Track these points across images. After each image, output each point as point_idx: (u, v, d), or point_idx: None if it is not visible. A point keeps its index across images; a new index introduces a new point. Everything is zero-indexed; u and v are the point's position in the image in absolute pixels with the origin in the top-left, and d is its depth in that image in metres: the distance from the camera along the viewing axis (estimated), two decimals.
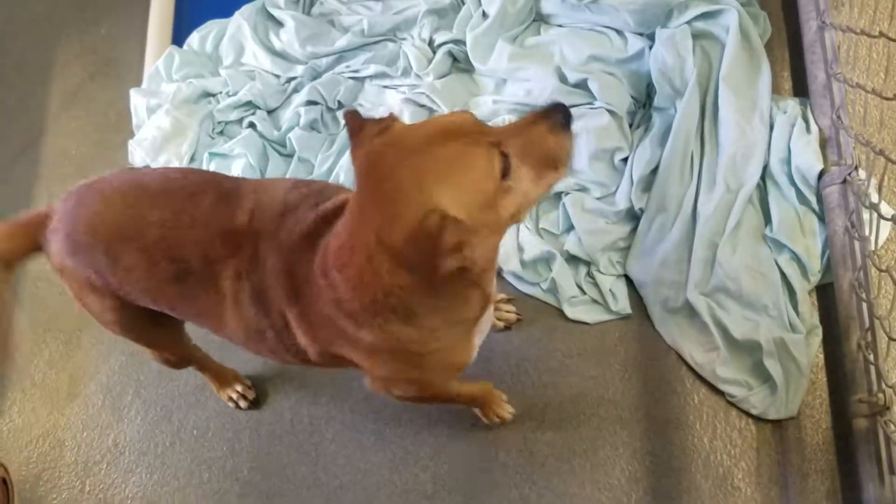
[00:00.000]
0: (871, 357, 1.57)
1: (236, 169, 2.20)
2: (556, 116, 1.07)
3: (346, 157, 2.16)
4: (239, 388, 1.96)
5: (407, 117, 2.16)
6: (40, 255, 1.37)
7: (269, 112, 2.35)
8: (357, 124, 1.10)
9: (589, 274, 1.98)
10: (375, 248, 1.00)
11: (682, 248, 1.92)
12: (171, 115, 2.28)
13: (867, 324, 1.61)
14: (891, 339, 1.44)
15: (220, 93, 2.38)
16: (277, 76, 2.39)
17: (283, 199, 1.26)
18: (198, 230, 1.24)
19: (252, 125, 2.29)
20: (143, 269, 1.26)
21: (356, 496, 1.84)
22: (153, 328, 1.50)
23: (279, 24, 2.47)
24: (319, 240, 1.16)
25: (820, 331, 1.81)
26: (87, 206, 1.30)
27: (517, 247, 2.00)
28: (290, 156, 2.27)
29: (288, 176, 2.21)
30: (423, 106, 2.21)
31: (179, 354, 1.72)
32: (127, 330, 1.49)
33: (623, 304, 1.92)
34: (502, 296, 1.95)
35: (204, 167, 2.23)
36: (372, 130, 1.07)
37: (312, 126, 2.28)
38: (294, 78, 2.37)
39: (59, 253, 1.31)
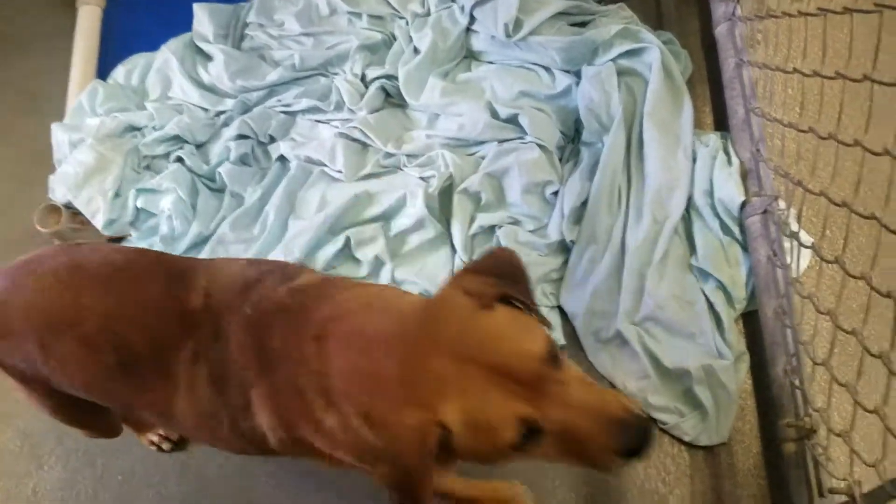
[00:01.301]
0: (797, 382, 1.62)
1: (166, 203, 2.14)
2: (623, 443, 0.90)
3: (279, 192, 2.14)
4: (161, 430, 1.89)
5: (340, 152, 2.15)
6: None
7: (198, 146, 2.31)
8: (485, 283, 1.00)
9: None
10: (371, 394, 0.97)
11: (613, 278, 1.96)
12: (95, 150, 2.20)
13: (792, 349, 1.66)
14: (815, 363, 1.48)
15: (146, 127, 2.32)
16: (206, 110, 2.35)
17: (241, 275, 1.19)
18: (146, 316, 1.16)
19: (180, 159, 2.24)
20: (79, 360, 1.18)
21: None
22: (85, 412, 1.40)
23: (208, 57, 2.45)
24: (299, 314, 1.10)
25: (748, 357, 1.86)
26: (20, 291, 1.20)
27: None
28: (221, 190, 2.23)
29: (221, 212, 2.16)
30: (356, 140, 2.21)
31: (113, 427, 1.61)
32: (57, 415, 1.39)
33: (557, 336, 1.94)
34: None
35: (130, 203, 2.16)
36: (469, 282, 0.99)
37: (243, 160, 2.24)
38: (223, 112, 2.34)
39: None
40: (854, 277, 1.27)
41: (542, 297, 1.99)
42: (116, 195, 2.17)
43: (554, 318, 1.97)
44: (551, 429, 0.90)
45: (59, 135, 2.31)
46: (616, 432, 0.89)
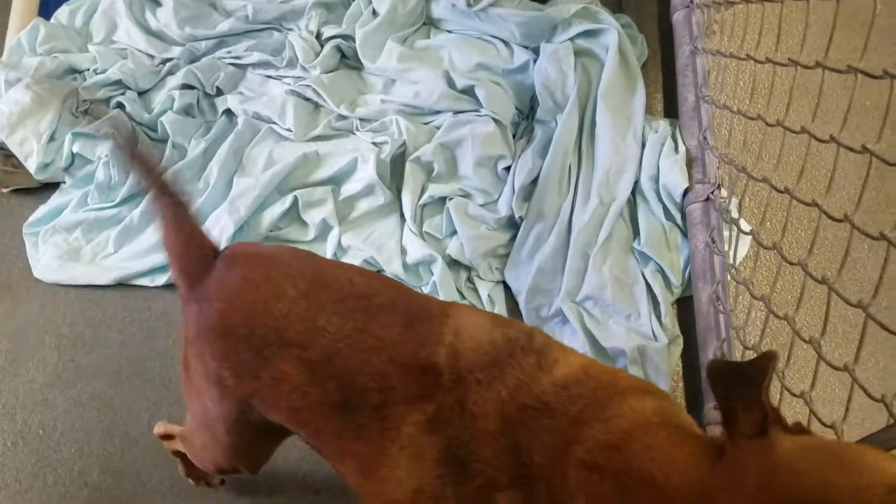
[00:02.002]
0: None
1: (103, 149, 2.06)
2: None
3: (224, 147, 2.08)
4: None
5: (291, 110, 2.10)
6: None
7: (140, 94, 2.22)
8: (734, 409, 0.80)
9: (469, 279, 2.00)
10: None
11: (558, 257, 1.98)
12: (31, 90, 2.09)
13: (724, 335, 1.71)
14: (746, 348, 1.53)
15: (88, 70, 2.22)
16: (151, 56, 2.26)
17: (488, 339, 1.01)
18: (382, 357, 1.01)
19: (120, 105, 2.15)
20: (298, 385, 1.03)
21: (220, 499, 1.76)
22: (259, 444, 1.27)
23: (157, 2, 2.35)
24: (566, 426, 0.91)
25: (681, 340, 1.91)
26: (252, 287, 1.07)
27: (400, 249, 1.99)
28: (162, 141, 2.15)
29: (162, 163, 2.09)
30: (308, 99, 2.16)
31: (260, 464, 1.41)
32: (232, 439, 1.22)
33: (500, 311, 1.95)
34: None
35: (66, 148, 2.07)
36: (751, 423, 0.78)
37: (187, 111, 2.17)
38: (169, 59, 2.25)
39: (201, 326, 1.09)
40: (791, 263, 1.31)
41: (489, 271, 2.00)
42: (52, 138, 2.07)
43: (497, 294, 1.98)
44: None
45: None
46: None
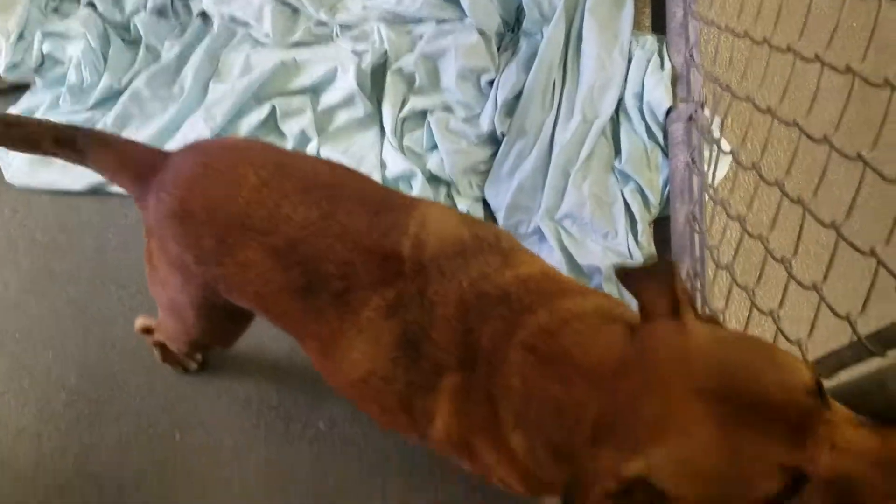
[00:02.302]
0: (699, 285, 1.69)
1: (74, 50, 2.00)
2: None
3: (199, 51, 2.01)
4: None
5: (268, 13, 2.03)
6: None
7: None
8: (648, 297, 0.84)
9: (448, 195, 1.99)
10: (565, 429, 0.85)
11: (538, 174, 1.97)
12: None
13: (698, 254, 1.73)
14: (718, 267, 1.54)
15: None
16: None
17: (456, 236, 1.05)
18: (346, 245, 1.03)
19: (91, 5, 2.07)
20: (263, 270, 1.06)
21: (195, 405, 1.78)
22: (228, 324, 1.30)
23: None
24: (517, 314, 0.96)
25: (656, 258, 1.92)
26: (213, 175, 1.08)
27: (380, 162, 1.97)
28: (135, 43, 2.08)
29: (136, 66, 2.03)
30: (287, 3, 2.09)
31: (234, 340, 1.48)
32: (201, 321, 1.27)
33: None
34: None
35: (35, 47, 2.00)
36: (663, 305, 0.82)
37: (161, 12, 2.10)
38: None
39: (159, 215, 1.11)
40: (768, 184, 1.32)
41: (468, 187, 1.99)
42: (20, 37, 2.00)
43: (476, 211, 1.98)
44: (820, 478, 0.71)
45: None
46: None
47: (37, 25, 2.03)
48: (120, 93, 2.01)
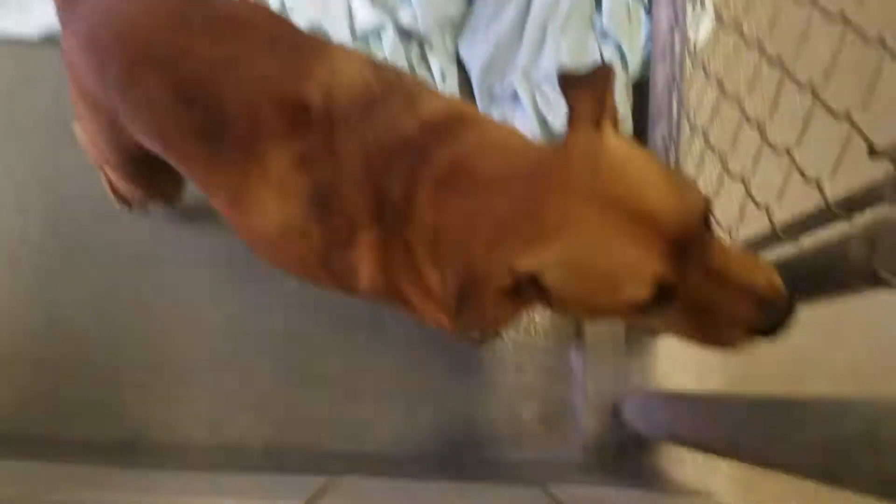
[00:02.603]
0: (673, 147, 1.67)
1: None
2: (764, 322, 0.77)
3: None
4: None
5: None
6: None
7: None
8: (578, 103, 0.83)
9: (422, 54, 1.90)
10: (472, 235, 0.85)
11: (516, 30, 1.89)
12: None
13: (675, 117, 1.69)
14: (693, 130, 1.52)
15: None
16: None
17: (363, 83, 1.01)
18: (254, 88, 0.99)
19: None
20: (164, 106, 1.02)
21: (164, 264, 1.79)
22: (148, 171, 1.26)
23: None
24: (424, 156, 0.94)
25: (630, 122, 1.88)
26: (123, 4, 1.04)
27: (348, 13, 1.86)
28: None
29: None
30: None
31: (175, 192, 1.45)
32: (120, 165, 1.26)
33: (451, 86, 1.89)
34: None
35: None
36: (589, 112, 0.81)
37: None
38: None
39: (73, 43, 1.08)
40: (748, 45, 1.27)
41: (441, 43, 1.90)
42: None
43: (450, 69, 1.91)
44: (686, 295, 0.77)
45: None
46: (759, 309, 0.77)
47: None
48: None
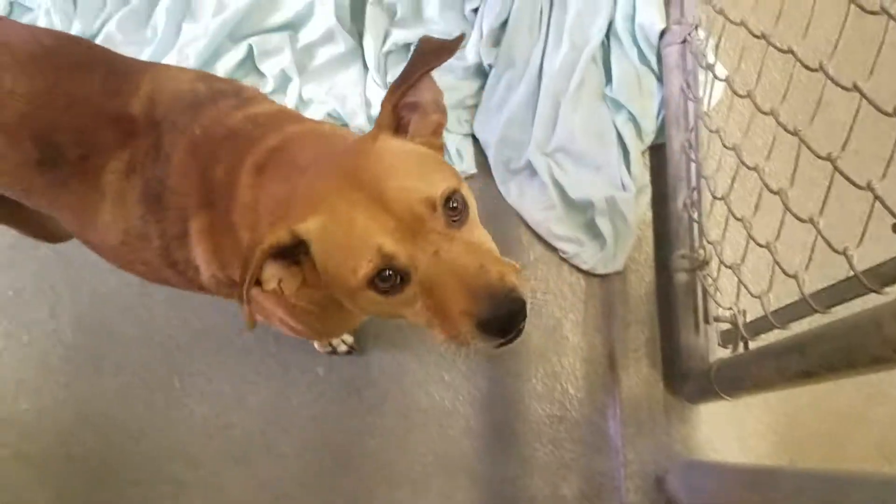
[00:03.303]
0: (695, 215, 1.67)
1: None
2: (481, 312, 0.79)
3: None
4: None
5: None
6: None
7: None
8: (387, 97, 0.92)
9: None
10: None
11: (528, 107, 1.91)
12: None
13: (694, 183, 1.70)
14: (715, 198, 1.51)
15: None
16: None
17: (190, 90, 1.08)
18: (77, 113, 1.04)
19: None
20: None
21: (193, 356, 1.79)
22: (9, 206, 1.25)
23: None
24: (248, 143, 1.01)
25: (650, 189, 1.89)
26: None
27: (364, 101, 1.90)
28: None
29: (107, 9, 1.94)
30: None
31: (47, 232, 1.47)
32: None
33: (469, 164, 1.91)
34: None
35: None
36: (388, 119, 0.92)
37: None
38: None
39: None
40: (763, 113, 1.27)
41: (457, 123, 1.93)
42: None
43: (466, 146, 1.93)
44: (418, 278, 0.83)
45: None
46: (478, 298, 0.79)
47: None
48: (93, 38, 1.93)
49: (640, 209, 1.87)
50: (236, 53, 1.87)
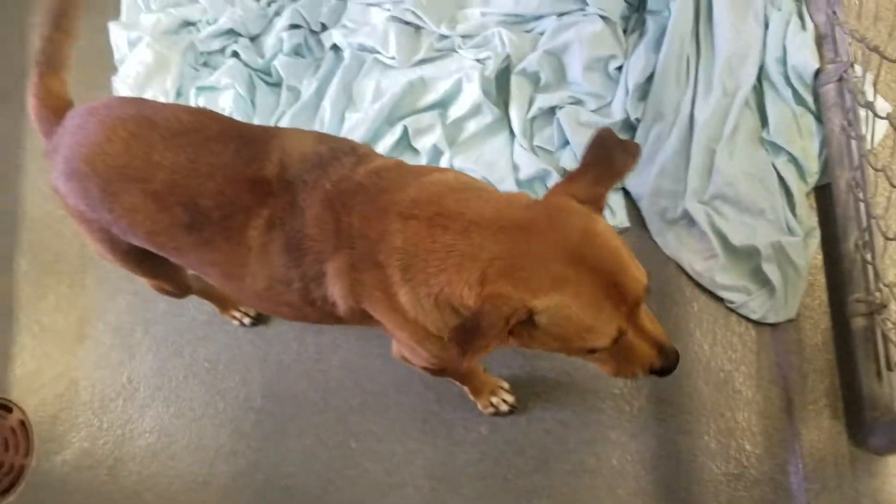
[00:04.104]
0: (869, 256, 1.57)
1: (225, 101, 2.16)
2: (659, 367, 1.10)
3: (334, 84, 2.12)
4: (241, 306, 1.99)
5: (393, 36, 2.10)
6: None
7: (252, 39, 2.28)
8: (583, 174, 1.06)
9: None
10: (468, 272, 1.02)
11: (680, 156, 1.90)
12: (153, 49, 2.22)
13: (864, 223, 1.61)
14: (887, 238, 1.43)
15: (201, 21, 2.31)
16: (257, 0, 2.31)
17: (314, 152, 1.21)
18: (218, 179, 1.18)
19: (236, 54, 2.23)
20: (148, 214, 1.21)
21: (366, 417, 1.89)
22: (149, 261, 1.44)
23: None
24: (381, 195, 1.13)
25: (818, 232, 1.80)
26: (87, 134, 1.23)
27: (512, 166, 1.97)
28: (277, 85, 2.22)
29: (280, 107, 2.17)
30: (408, 23, 2.15)
31: (178, 285, 1.68)
32: (121, 260, 1.44)
33: (621, 218, 1.91)
34: None
35: (192, 102, 2.19)
36: (579, 189, 1.05)
37: (297, 51, 2.22)
38: (274, 1, 2.29)
39: (55, 173, 1.28)
40: None
41: None
42: (178, 94, 2.20)
43: (618, 200, 1.94)
44: (622, 341, 1.03)
45: (116, 33, 2.33)
46: (662, 358, 1.09)
47: (191, 82, 2.22)
48: None
49: (809, 253, 1.78)
50: (393, 135, 2.02)
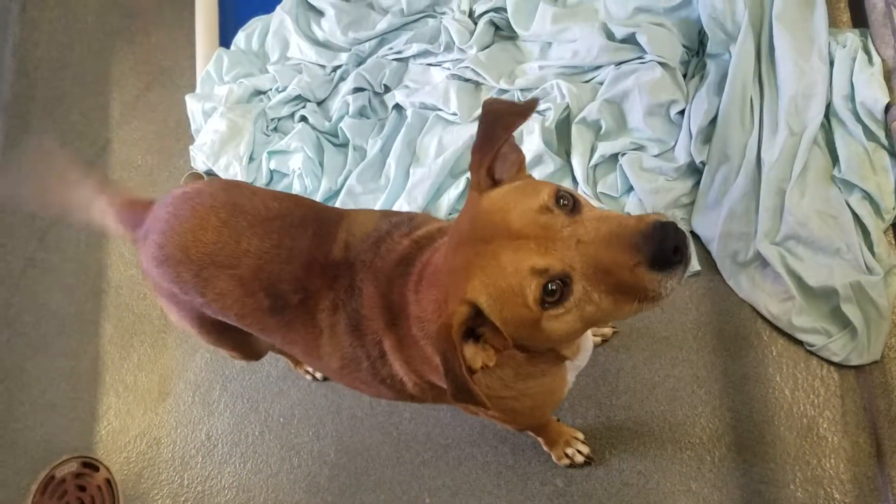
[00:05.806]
0: None
1: (295, 163, 2.24)
2: (648, 251, 0.82)
3: (398, 142, 2.18)
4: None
5: (453, 93, 2.15)
6: None
7: (319, 103, 2.38)
8: (476, 162, 1.00)
9: None
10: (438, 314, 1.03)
11: (749, 198, 1.87)
12: (227, 118, 2.32)
13: None
14: None
15: (271, 90, 2.41)
16: (323, 66, 2.40)
17: (374, 229, 1.25)
18: (295, 264, 1.23)
19: (304, 118, 2.32)
20: (237, 298, 1.26)
21: (439, 470, 1.89)
22: (231, 335, 1.50)
23: (320, 13, 2.48)
24: (414, 264, 1.15)
25: None
26: (181, 221, 1.28)
27: None
28: (344, 145, 2.30)
29: (347, 166, 2.24)
30: (468, 80, 2.20)
31: (254, 352, 1.73)
32: (205, 335, 1.50)
33: (692, 262, 1.89)
34: None
35: (263, 166, 2.28)
36: (484, 180, 1.00)
37: (361, 113, 2.29)
38: (339, 66, 2.38)
39: (146, 258, 1.32)
40: None
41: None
42: (251, 159, 2.29)
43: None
44: (576, 271, 0.86)
45: (192, 105, 2.45)
46: (637, 245, 0.82)
47: (262, 147, 2.31)
48: (337, 192, 2.22)
49: (891, 292, 1.72)
50: (456, 188, 2.06)
